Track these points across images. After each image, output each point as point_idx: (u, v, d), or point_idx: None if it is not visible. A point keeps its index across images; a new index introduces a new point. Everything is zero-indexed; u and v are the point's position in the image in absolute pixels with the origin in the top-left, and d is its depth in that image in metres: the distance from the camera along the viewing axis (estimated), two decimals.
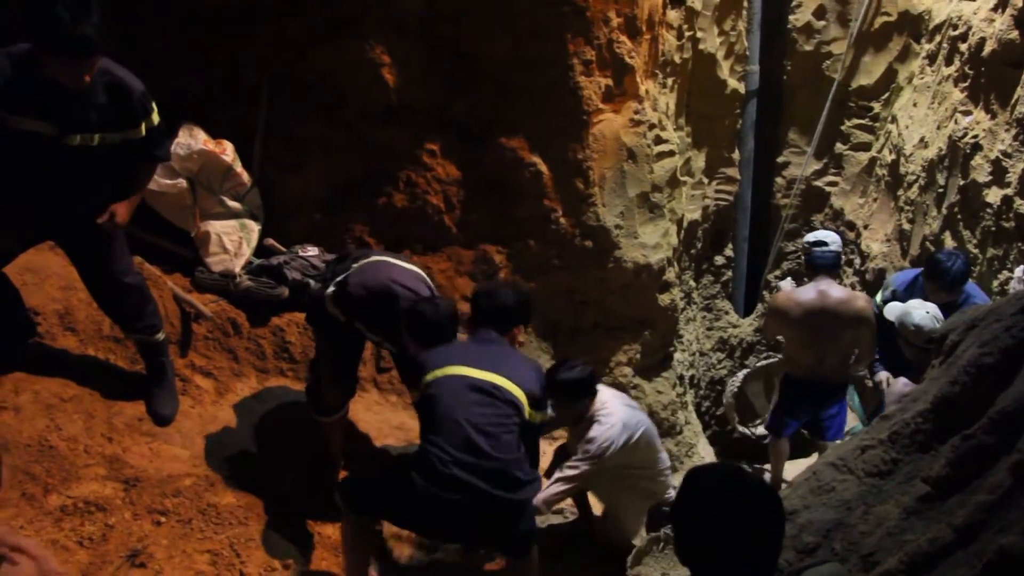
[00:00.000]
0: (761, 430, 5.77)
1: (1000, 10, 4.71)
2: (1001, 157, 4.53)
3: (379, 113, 4.46)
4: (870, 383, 4.91)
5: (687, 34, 5.30)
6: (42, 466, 3.20)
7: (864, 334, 4.45)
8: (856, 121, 6.22)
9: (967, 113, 4.92)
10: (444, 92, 4.49)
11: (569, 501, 4.03)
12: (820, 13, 6.11)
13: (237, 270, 4.23)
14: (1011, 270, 4.40)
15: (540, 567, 3.25)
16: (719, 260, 6.49)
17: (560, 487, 3.56)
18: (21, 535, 1.98)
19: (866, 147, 6.23)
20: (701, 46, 5.57)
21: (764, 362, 6.06)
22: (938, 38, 5.46)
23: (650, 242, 4.73)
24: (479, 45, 4.39)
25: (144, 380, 3.70)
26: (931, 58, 5.56)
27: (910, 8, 5.82)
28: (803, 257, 4.75)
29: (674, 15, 5.11)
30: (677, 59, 5.20)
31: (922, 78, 5.66)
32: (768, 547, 1.62)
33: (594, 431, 3.58)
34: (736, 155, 6.19)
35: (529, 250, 4.62)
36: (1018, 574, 1.74)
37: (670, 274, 4.93)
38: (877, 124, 6.16)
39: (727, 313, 6.51)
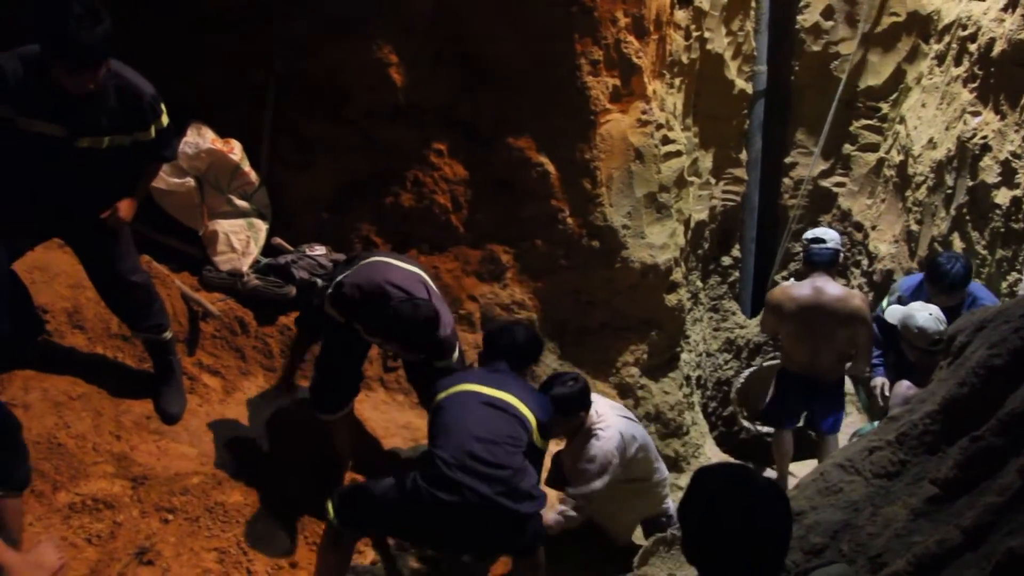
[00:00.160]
0: (766, 428, 5.76)
1: (1010, 10, 4.69)
2: (1010, 158, 4.52)
3: (386, 113, 4.47)
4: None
5: (695, 34, 5.29)
6: (51, 463, 3.22)
7: (860, 333, 4.43)
8: (864, 122, 6.20)
9: (976, 114, 4.90)
10: (451, 92, 4.49)
11: None
12: (828, 13, 6.10)
13: (245, 269, 4.24)
14: (1020, 271, 4.38)
15: (547, 567, 3.25)
16: (726, 261, 6.48)
17: (571, 512, 3.55)
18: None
19: (874, 148, 6.21)
20: (709, 46, 5.57)
21: (771, 362, 6.04)
22: (947, 38, 5.44)
23: (657, 242, 4.72)
24: (487, 45, 4.40)
25: (152, 378, 3.71)
26: (940, 58, 5.54)
27: (919, 8, 5.80)
28: (802, 253, 4.76)
29: (682, 15, 5.10)
30: (684, 59, 5.19)
31: (931, 79, 5.64)
32: (775, 547, 1.62)
33: (593, 449, 3.58)
34: (743, 155, 6.19)
35: (536, 250, 4.62)
36: None
37: (677, 274, 4.92)
38: (885, 125, 6.14)
39: (734, 314, 6.50)
